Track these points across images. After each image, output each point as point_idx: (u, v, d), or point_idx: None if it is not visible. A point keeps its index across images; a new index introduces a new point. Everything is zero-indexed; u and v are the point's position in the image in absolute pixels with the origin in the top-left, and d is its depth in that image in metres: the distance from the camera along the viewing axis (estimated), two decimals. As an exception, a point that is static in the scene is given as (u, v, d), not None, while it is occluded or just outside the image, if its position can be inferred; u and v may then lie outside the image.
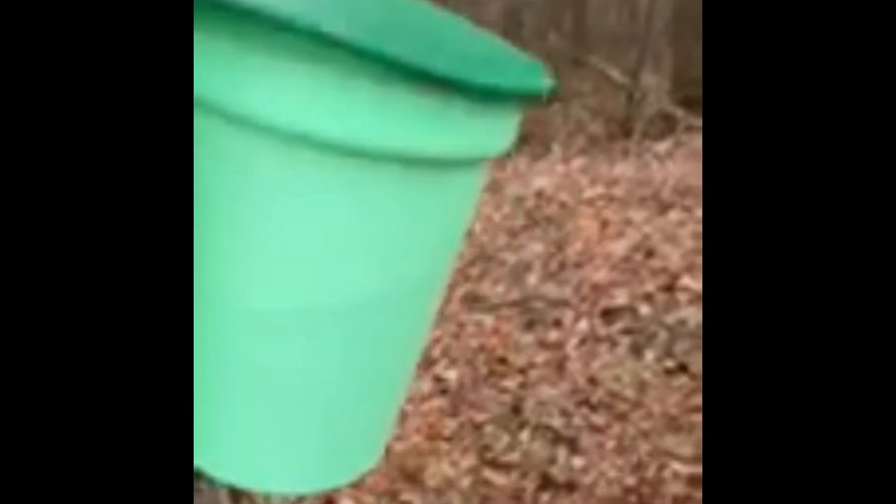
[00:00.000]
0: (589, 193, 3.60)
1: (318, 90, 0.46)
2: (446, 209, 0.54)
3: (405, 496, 1.95)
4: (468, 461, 2.03)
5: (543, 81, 0.55)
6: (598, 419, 2.09)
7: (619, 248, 3.04)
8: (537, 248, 3.17)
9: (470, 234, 3.40)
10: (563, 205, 3.53)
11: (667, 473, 1.90)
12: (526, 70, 0.56)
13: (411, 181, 0.51)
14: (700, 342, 2.32)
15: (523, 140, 4.89)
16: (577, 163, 4.00)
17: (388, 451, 2.15)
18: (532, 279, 2.93)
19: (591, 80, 5.67)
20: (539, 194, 3.62)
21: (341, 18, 0.46)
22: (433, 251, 0.55)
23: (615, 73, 4.71)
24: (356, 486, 2.04)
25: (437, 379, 2.38)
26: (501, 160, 4.28)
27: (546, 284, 2.86)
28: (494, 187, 3.77)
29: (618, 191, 3.59)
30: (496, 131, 0.54)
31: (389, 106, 0.47)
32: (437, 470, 2.02)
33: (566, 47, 5.02)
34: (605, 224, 3.32)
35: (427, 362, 2.48)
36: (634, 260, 2.96)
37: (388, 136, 0.48)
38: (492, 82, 0.50)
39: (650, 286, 2.73)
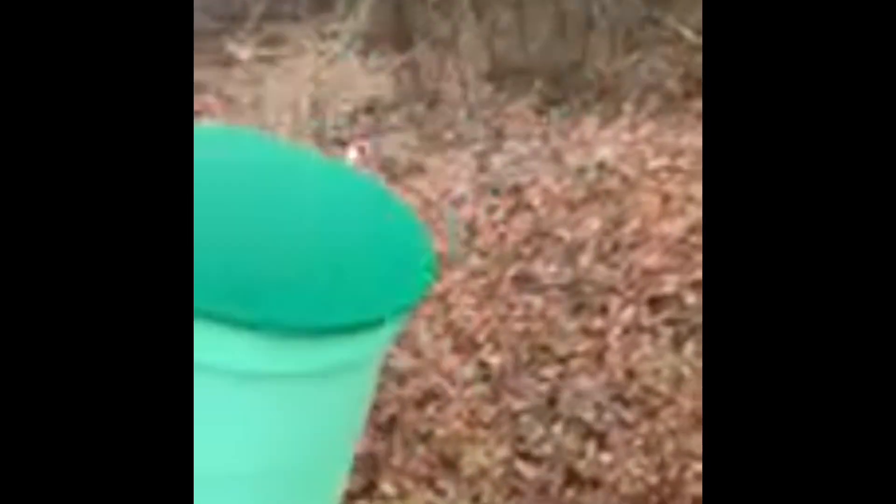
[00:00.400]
0: (653, 165, 3.57)
1: (205, 331, 0.57)
2: (322, 408, 0.64)
3: (441, 483, 2.10)
4: (502, 451, 2.15)
5: (404, 299, 0.62)
6: (630, 415, 2.17)
7: (675, 228, 3.04)
8: (594, 224, 3.20)
9: (529, 207, 3.45)
10: (625, 178, 3.52)
11: (689, 474, 1.98)
12: (397, 281, 0.63)
13: (287, 391, 0.60)
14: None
15: (597, 98, 4.83)
16: (645, 130, 3.95)
17: (432, 435, 2.30)
18: (585, 260, 2.97)
19: (671, 31, 5.49)
20: (601, 165, 3.61)
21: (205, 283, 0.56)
22: (317, 439, 0.65)
23: (688, 33, 4.57)
24: (399, 470, 2.21)
25: (481, 364, 2.50)
26: (566, 126, 4.24)
27: (598, 266, 2.91)
28: (556, 157, 3.78)
29: (682, 162, 3.54)
30: (364, 345, 0.62)
31: (255, 340, 0.57)
32: (473, 458, 2.15)
33: (639, 3, 4.89)
34: (665, 199, 3.30)
35: (473, 346, 2.59)
36: (689, 242, 2.96)
37: (259, 362, 0.57)
38: (343, 322, 0.58)
39: (700, 272, 2.75)
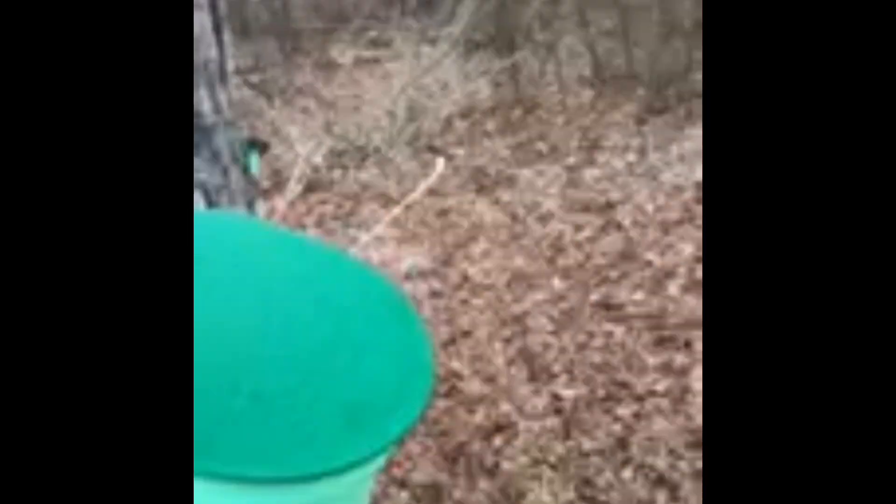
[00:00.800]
0: (755, 185, 3.36)
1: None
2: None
3: (501, 522, 2.03)
4: (567, 494, 2.06)
5: (387, 439, 0.55)
6: (706, 467, 2.04)
7: (774, 257, 2.85)
8: (687, 249, 3.04)
9: (619, 227, 3.32)
10: (723, 198, 3.33)
11: (767, 539, 1.83)
12: (383, 417, 0.56)
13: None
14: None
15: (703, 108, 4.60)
16: (749, 146, 3.73)
17: (497, 468, 2.23)
18: (672, 288, 2.83)
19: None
20: (699, 185, 3.44)
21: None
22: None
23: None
24: (461, 503, 2.15)
25: (555, 397, 2.41)
26: (664, 140, 4.04)
27: (686, 296, 2.76)
28: (652, 174, 3.63)
29: (788, 184, 3.32)
30: (339, 485, 0.56)
31: (218, 485, 0.52)
32: (537, 498, 2.07)
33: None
34: (766, 224, 3.11)
35: (548, 375, 2.51)
36: (788, 273, 2.77)
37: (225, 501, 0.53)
38: (312, 473, 0.52)
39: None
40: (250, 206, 1.34)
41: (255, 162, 1.37)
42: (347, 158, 4.55)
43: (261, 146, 1.57)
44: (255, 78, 5.48)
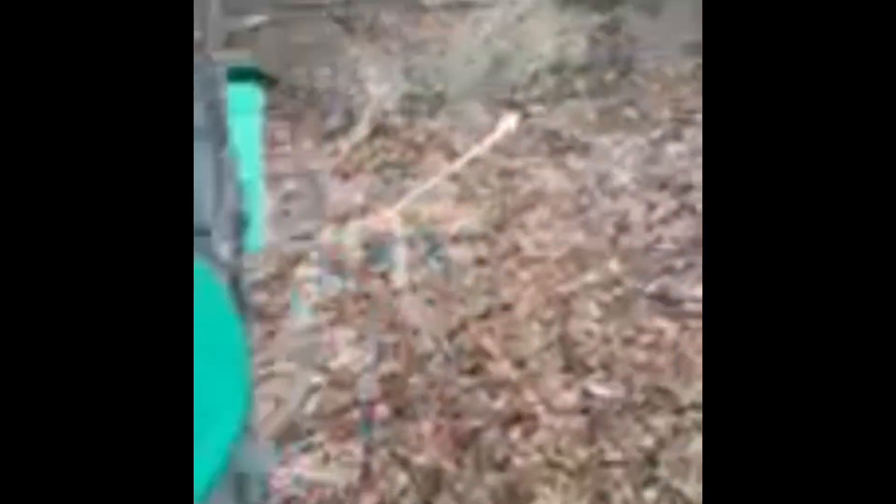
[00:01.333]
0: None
1: None
2: None
3: (500, 527, 1.84)
4: (579, 506, 1.85)
5: None
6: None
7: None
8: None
9: (693, 212, 3.00)
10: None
11: None
12: None
13: None
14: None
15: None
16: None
17: (508, 463, 2.03)
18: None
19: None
20: (794, 175, 3.07)
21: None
22: None
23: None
24: (460, 497, 1.97)
25: (585, 394, 2.18)
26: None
27: (755, 299, 2.45)
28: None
29: None
30: None
31: None
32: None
33: None
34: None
35: (584, 368, 2.27)
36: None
37: None
38: None
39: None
40: (220, 147, 1.16)
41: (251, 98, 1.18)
42: (421, 104, 4.34)
43: (266, 80, 1.37)
44: (340, 11, 5.30)
